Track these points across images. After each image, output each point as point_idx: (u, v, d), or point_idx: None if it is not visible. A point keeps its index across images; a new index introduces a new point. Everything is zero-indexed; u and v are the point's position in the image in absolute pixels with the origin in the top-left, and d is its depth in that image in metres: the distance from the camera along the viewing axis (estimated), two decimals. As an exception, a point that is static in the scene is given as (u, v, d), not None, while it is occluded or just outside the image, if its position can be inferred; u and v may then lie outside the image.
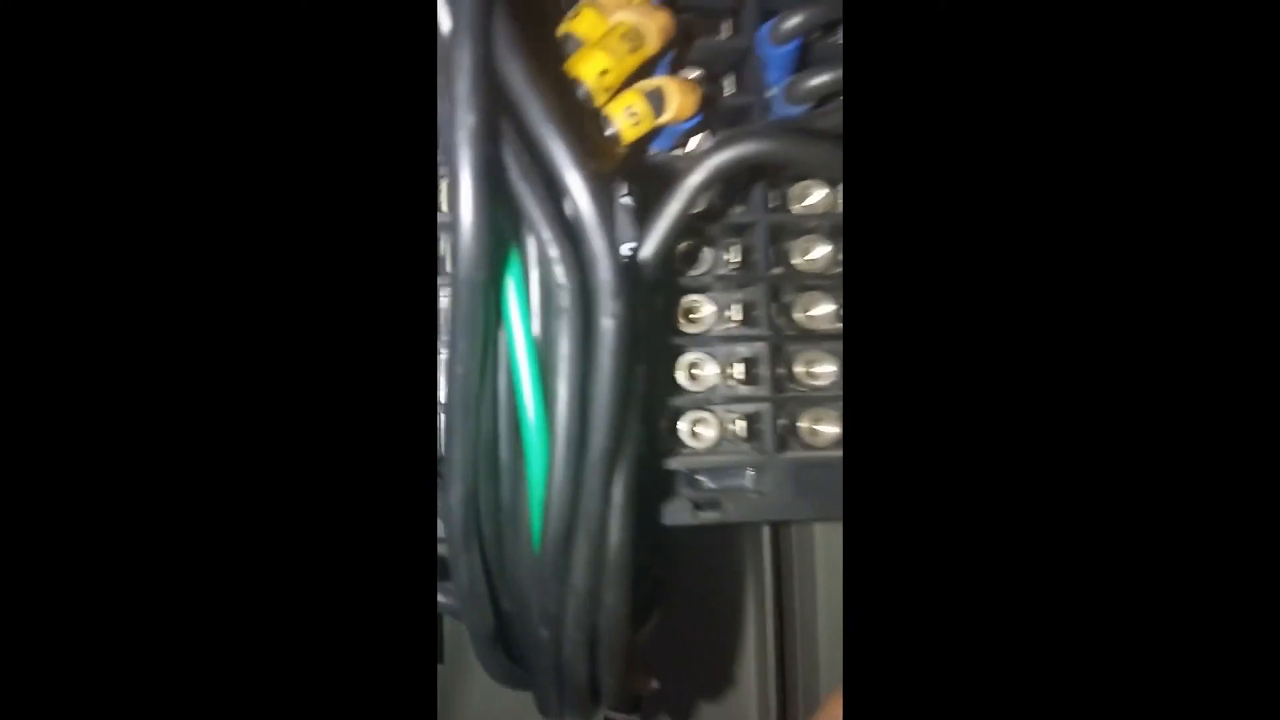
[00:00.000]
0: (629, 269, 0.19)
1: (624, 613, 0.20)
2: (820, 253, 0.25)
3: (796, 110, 0.22)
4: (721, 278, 0.24)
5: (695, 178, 0.19)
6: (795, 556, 0.51)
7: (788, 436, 0.24)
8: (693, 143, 0.24)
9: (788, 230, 0.25)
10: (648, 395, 0.23)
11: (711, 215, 0.23)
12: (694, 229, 0.24)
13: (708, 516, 0.23)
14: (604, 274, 0.18)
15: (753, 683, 0.53)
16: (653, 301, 0.23)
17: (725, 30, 0.25)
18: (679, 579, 0.50)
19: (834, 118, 0.21)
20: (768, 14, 0.23)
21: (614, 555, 0.19)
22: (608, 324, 0.18)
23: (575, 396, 0.19)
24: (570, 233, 0.18)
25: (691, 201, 0.19)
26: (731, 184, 0.23)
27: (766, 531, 0.52)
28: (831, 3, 0.22)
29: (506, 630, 0.21)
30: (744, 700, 0.53)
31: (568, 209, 0.18)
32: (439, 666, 0.40)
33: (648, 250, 0.19)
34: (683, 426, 0.24)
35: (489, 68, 0.17)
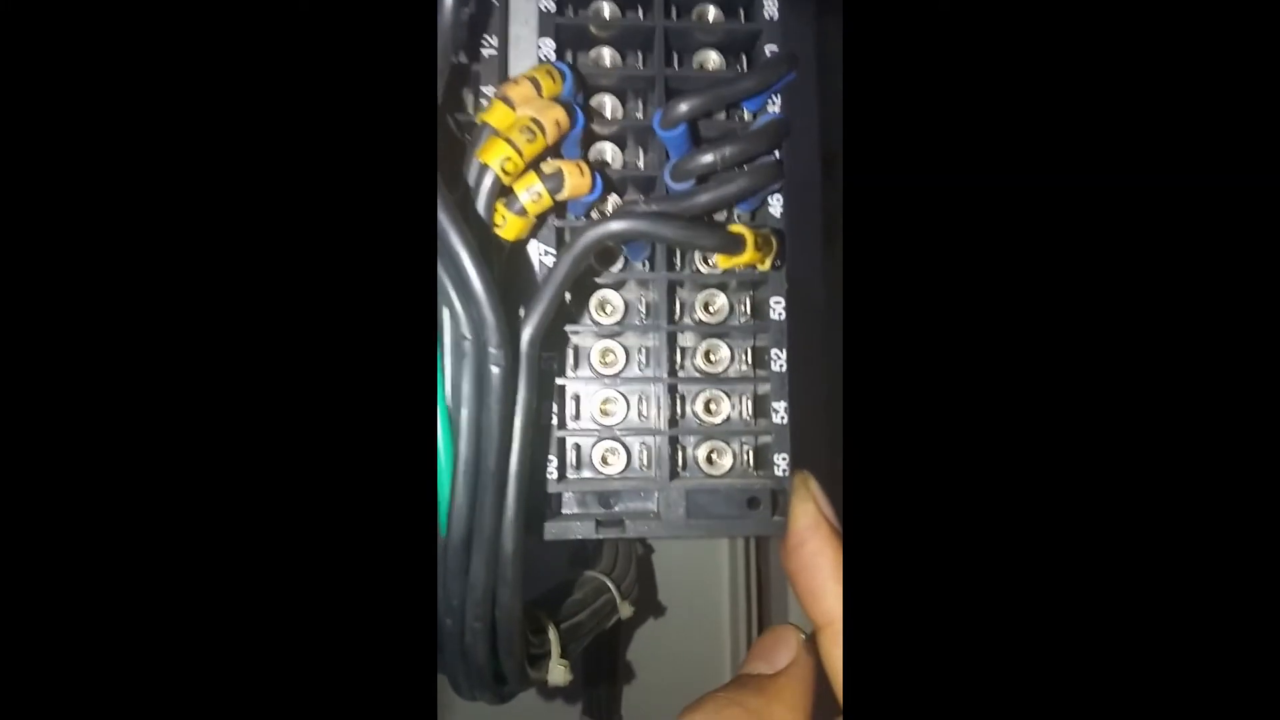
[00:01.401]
0: (515, 328, 0.23)
1: (517, 609, 0.24)
2: (719, 304, 0.29)
3: (682, 186, 0.26)
4: (633, 326, 0.28)
5: (566, 257, 0.23)
6: (773, 564, 0.55)
7: (689, 465, 0.28)
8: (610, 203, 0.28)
9: (694, 284, 0.29)
10: (556, 427, 0.27)
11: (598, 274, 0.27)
12: (617, 284, 0.28)
13: (609, 533, 0.27)
14: (490, 332, 0.22)
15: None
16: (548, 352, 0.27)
17: (637, 107, 0.29)
18: (659, 588, 0.53)
19: (710, 195, 0.25)
20: (673, 93, 0.27)
21: (507, 560, 0.23)
22: (495, 371, 0.22)
23: (473, 427, 0.23)
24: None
25: (569, 274, 0.23)
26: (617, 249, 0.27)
27: (746, 543, 0.55)
28: (716, 93, 0.26)
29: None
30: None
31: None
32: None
33: (535, 312, 0.23)
34: (596, 454, 0.28)
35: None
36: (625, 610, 0.37)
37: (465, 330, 0.23)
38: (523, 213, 0.24)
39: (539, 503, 0.26)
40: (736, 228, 0.25)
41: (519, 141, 0.24)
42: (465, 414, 0.23)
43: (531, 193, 0.24)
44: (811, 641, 0.23)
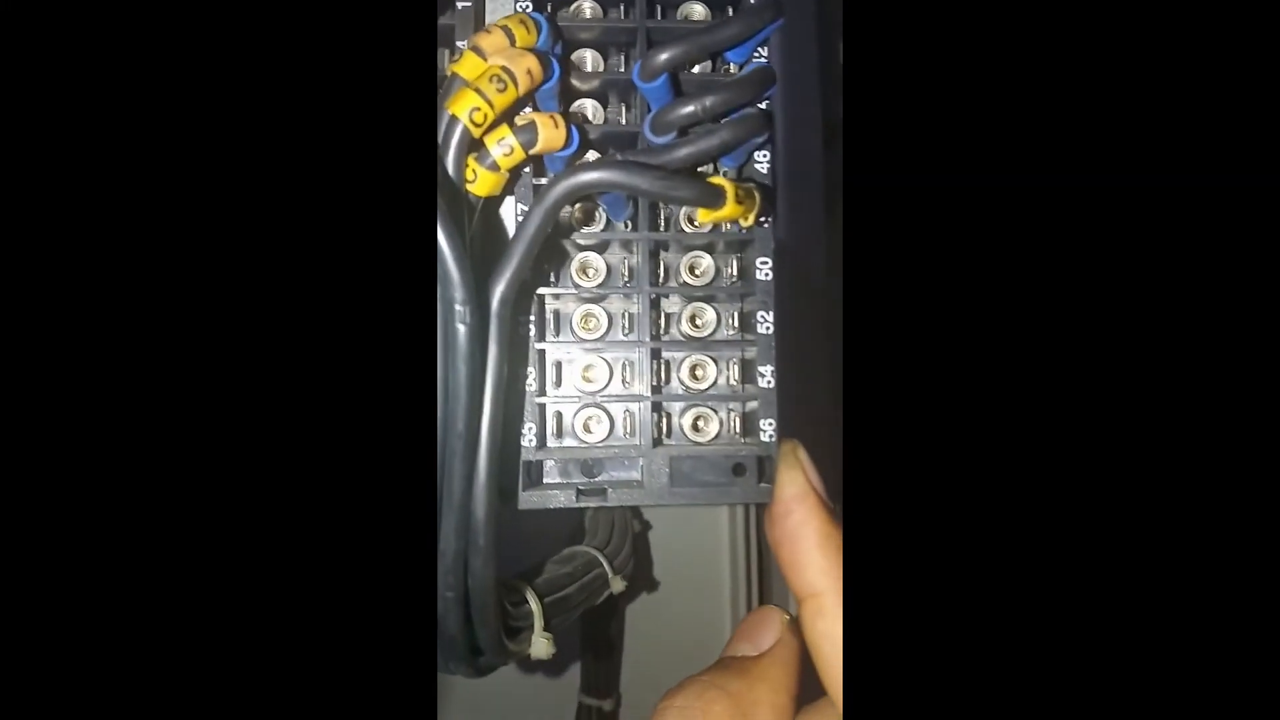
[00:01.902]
0: (484, 286, 0.22)
1: (490, 577, 0.23)
2: (705, 266, 0.28)
3: (663, 139, 0.25)
4: (615, 289, 0.27)
5: (537, 210, 0.22)
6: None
7: (674, 432, 0.27)
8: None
9: (679, 245, 0.28)
10: (533, 394, 0.26)
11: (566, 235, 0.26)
12: (599, 246, 0.27)
13: (590, 502, 0.26)
14: (455, 289, 0.21)
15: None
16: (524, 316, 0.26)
17: (620, 61, 0.28)
18: (660, 561, 0.53)
19: (690, 148, 0.24)
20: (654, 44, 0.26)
21: (479, 527, 0.22)
22: (460, 329, 0.21)
23: (440, 387, 0.22)
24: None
25: (540, 228, 0.22)
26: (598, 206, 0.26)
27: (747, 517, 0.54)
28: (696, 40, 0.25)
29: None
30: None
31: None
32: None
33: (506, 268, 0.22)
34: (578, 422, 0.27)
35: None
36: (617, 585, 0.36)
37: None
38: (494, 167, 0.23)
39: (514, 471, 0.25)
40: (717, 179, 0.24)
41: (489, 91, 0.23)
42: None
43: (503, 146, 0.23)
44: (796, 623, 0.22)
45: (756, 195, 0.25)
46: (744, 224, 0.25)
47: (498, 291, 0.22)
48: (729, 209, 0.24)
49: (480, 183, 0.23)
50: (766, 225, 0.27)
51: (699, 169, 0.26)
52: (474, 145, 0.23)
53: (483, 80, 0.23)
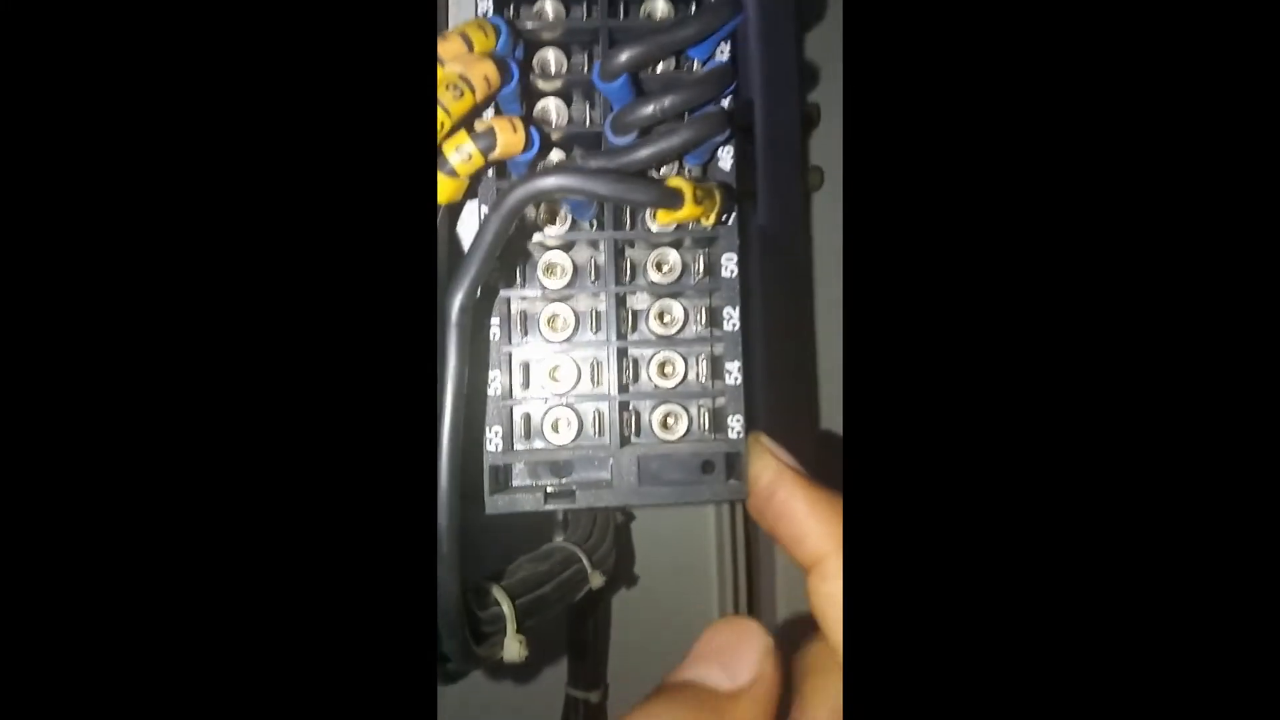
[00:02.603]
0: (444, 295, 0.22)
1: (454, 586, 0.23)
2: (671, 263, 0.28)
3: (624, 140, 0.25)
4: (582, 289, 0.27)
5: (493, 217, 0.22)
6: (760, 538, 0.54)
7: (643, 431, 0.27)
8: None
9: (645, 242, 0.28)
10: (499, 397, 0.26)
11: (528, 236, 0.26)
12: (565, 245, 0.27)
13: (559, 504, 0.26)
14: (412, 295, 0.21)
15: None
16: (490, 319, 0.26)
17: (583, 61, 0.28)
18: (645, 554, 0.53)
19: (651, 148, 0.24)
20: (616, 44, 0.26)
21: (441, 535, 0.22)
22: (419, 337, 0.21)
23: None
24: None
25: (498, 235, 0.22)
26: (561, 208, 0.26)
27: (733, 506, 0.54)
28: (656, 40, 0.25)
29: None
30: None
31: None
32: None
33: (464, 277, 0.22)
34: (546, 423, 0.27)
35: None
36: (596, 580, 0.36)
37: (392, 297, 0.22)
38: (454, 174, 0.23)
39: (478, 476, 0.25)
40: (675, 181, 0.24)
41: (446, 99, 0.23)
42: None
43: (462, 153, 0.23)
44: (776, 652, 0.21)
45: (717, 194, 0.25)
46: (705, 223, 0.25)
47: (456, 300, 0.22)
48: (688, 210, 0.24)
49: (440, 190, 0.23)
50: (729, 223, 0.26)
51: (659, 169, 0.26)
52: (432, 152, 0.23)
53: (440, 88, 0.23)
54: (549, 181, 0.22)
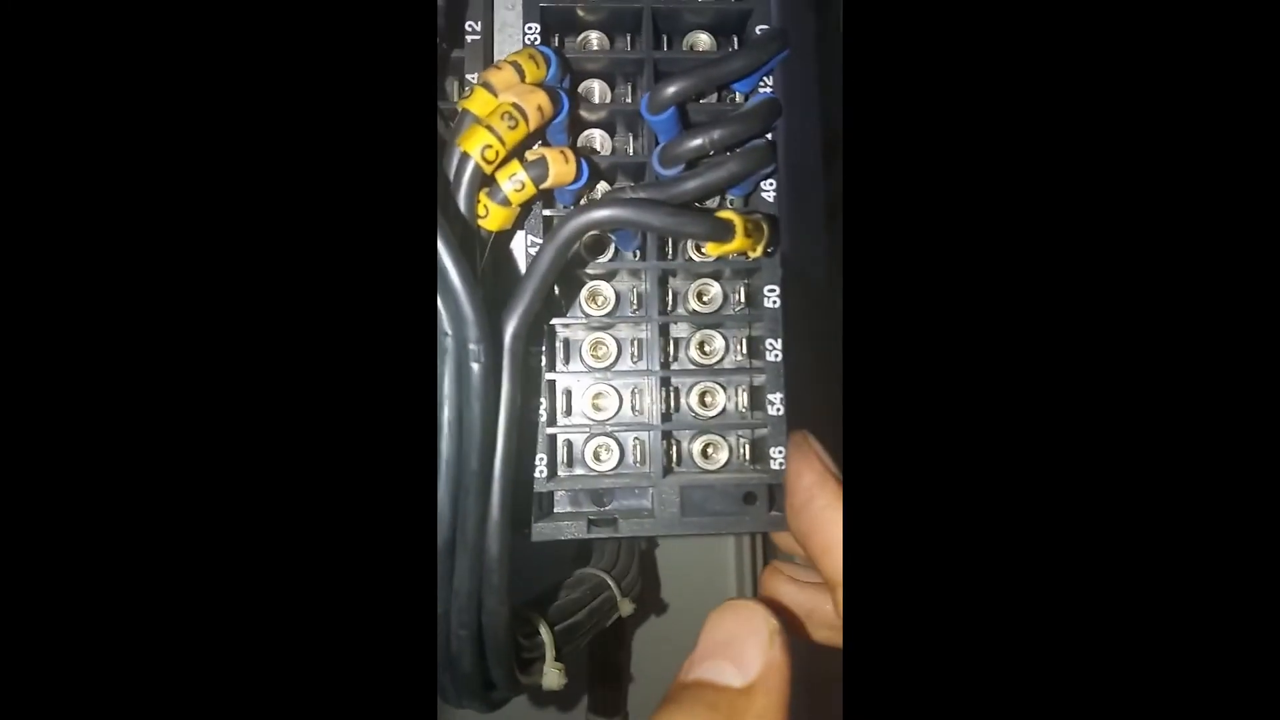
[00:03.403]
0: (497, 322, 0.22)
1: (504, 614, 0.23)
2: (713, 294, 0.28)
3: (671, 171, 0.25)
4: (624, 318, 0.27)
5: (549, 247, 0.22)
6: (779, 556, 0.54)
7: (683, 460, 0.27)
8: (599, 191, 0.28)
9: (686, 272, 0.28)
10: (544, 424, 0.26)
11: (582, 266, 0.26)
12: (607, 275, 0.28)
13: (602, 532, 0.26)
14: (469, 328, 0.21)
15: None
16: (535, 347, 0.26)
17: (626, 92, 0.28)
18: (665, 584, 0.53)
19: (699, 180, 0.24)
20: (663, 77, 0.26)
21: (493, 565, 0.22)
22: (475, 368, 0.21)
23: (454, 428, 0.22)
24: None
25: (553, 264, 0.22)
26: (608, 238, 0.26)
27: (752, 543, 0.54)
28: (704, 73, 0.25)
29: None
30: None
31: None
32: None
33: (518, 305, 0.22)
34: (588, 450, 0.27)
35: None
36: (626, 608, 0.36)
37: (445, 326, 0.22)
38: (506, 202, 0.24)
39: (526, 503, 0.25)
40: (726, 214, 0.24)
41: (500, 128, 0.23)
42: (446, 413, 0.22)
43: (514, 181, 0.23)
44: (782, 633, 0.20)
45: (765, 226, 0.25)
46: (752, 255, 0.25)
47: (510, 327, 0.22)
48: (738, 242, 0.24)
49: (491, 218, 0.24)
50: (774, 255, 0.27)
51: (711, 202, 0.26)
52: (485, 181, 0.23)
53: (494, 117, 0.23)
54: (605, 213, 0.22)
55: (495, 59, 0.27)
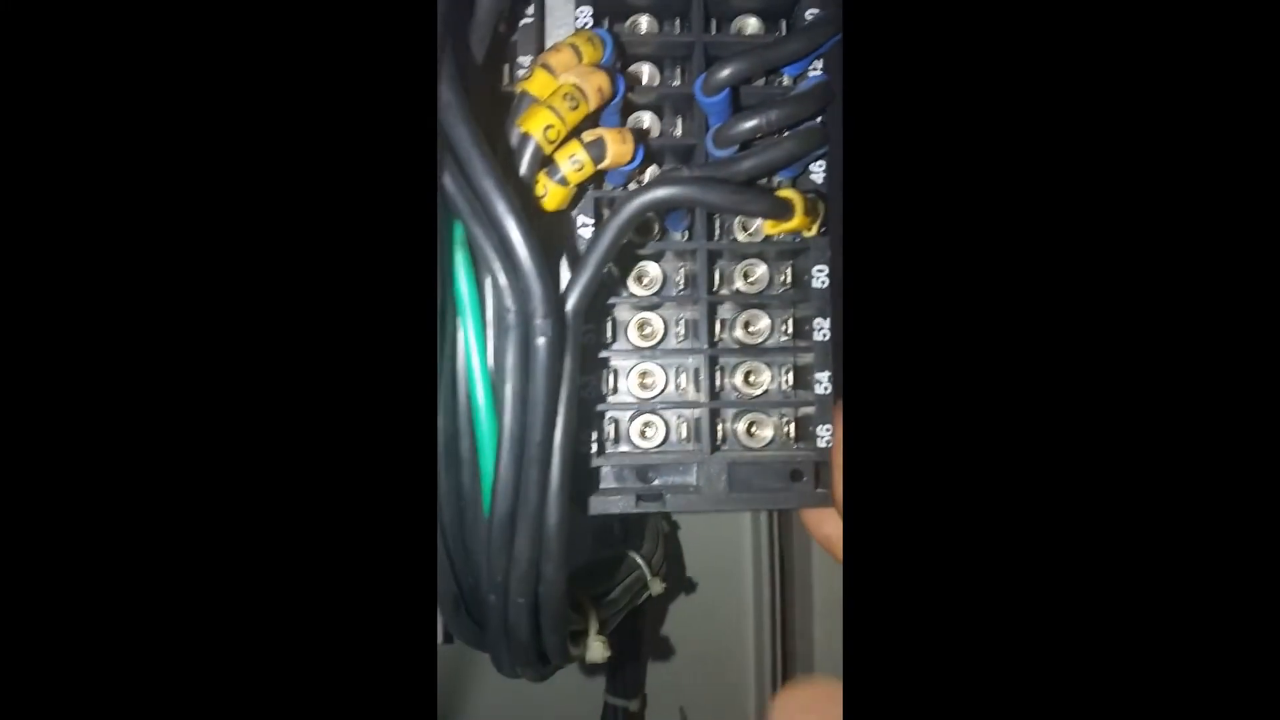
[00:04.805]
0: (560, 298, 0.22)
1: (561, 583, 0.23)
2: (759, 274, 0.28)
3: (725, 152, 0.25)
4: (670, 297, 0.28)
5: (612, 224, 0.22)
6: (794, 539, 0.54)
7: (728, 438, 0.28)
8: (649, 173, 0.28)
9: (731, 254, 0.28)
10: (598, 400, 0.27)
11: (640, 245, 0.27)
12: (655, 255, 0.28)
13: (649, 507, 0.27)
14: (536, 303, 0.21)
15: (751, 673, 0.56)
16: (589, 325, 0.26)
17: (676, 77, 0.28)
18: (682, 572, 0.53)
19: (754, 160, 0.25)
20: (712, 60, 0.26)
21: (552, 534, 0.23)
22: (540, 342, 0.22)
23: (518, 400, 0.22)
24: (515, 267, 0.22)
25: (614, 242, 0.23)
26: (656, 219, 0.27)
27: (770, 518, 0.55)
28: (759, 56, 0.25)
29: (466, 598, 0.25)
30: (741, 689, 0.56)
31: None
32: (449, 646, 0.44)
33: (579, 281, 0.23)
34: (634, 428, 0.28)
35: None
36: (656, 587, 0.37)
37: (509, 301, 0.22)
38: (564, 182, 0.24)
39: (583, 477, 0.26)
40: (785, 192, 0.24)
41: (561, 109, 0.23)
42: (510, 387, 0.22)
43: (574, 161, 0.24)
44: None
45: (820, 206, 0.25)
46: (807, 234, 0.25)
47: (571, 304, 0.23)
48: (797, 220, 0.24)
49: (550, 197, 0.24)
50: (825, 235, 0.27)
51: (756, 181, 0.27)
52: (544, 161, 0.24)
53: (555, 98, 0.23)
54: (667, 191, 0.23)
55: (546, 43, 0.27)
